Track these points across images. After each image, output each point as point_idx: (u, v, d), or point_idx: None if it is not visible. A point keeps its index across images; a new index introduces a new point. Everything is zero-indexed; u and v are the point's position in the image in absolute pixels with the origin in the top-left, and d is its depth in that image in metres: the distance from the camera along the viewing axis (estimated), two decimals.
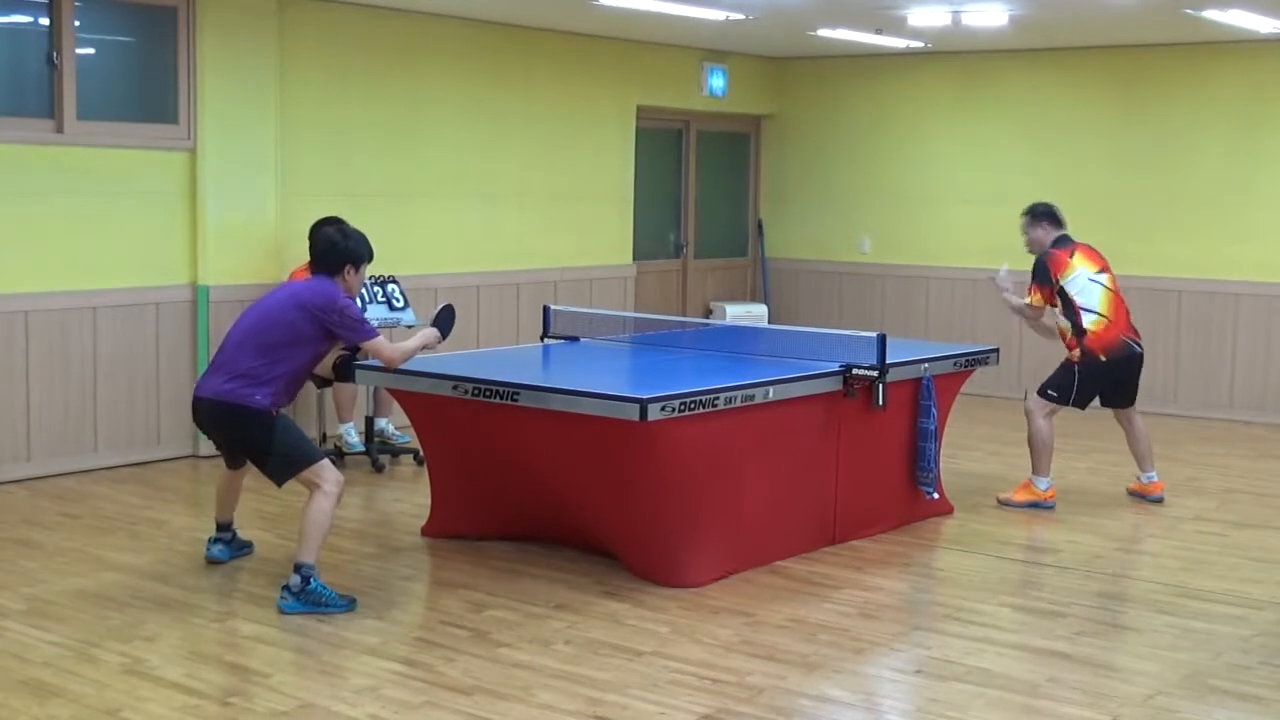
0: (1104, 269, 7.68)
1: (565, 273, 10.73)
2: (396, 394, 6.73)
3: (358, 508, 7.53)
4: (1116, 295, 7.65)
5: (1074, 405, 7.65)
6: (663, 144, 12.02)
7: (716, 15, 9.45)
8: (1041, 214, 7.76)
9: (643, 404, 5.60)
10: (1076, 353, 7.56)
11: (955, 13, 9.26)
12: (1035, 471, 7.65)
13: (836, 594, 6.05)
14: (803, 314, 12.38)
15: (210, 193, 8.44)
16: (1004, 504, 7.65)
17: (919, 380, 7.04)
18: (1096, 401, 7.76)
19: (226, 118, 8.46)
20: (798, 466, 6.56)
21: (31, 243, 7.82)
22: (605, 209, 11.12)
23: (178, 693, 4.75)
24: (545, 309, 7.73)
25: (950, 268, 11.74)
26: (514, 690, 4.82)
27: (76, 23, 7.91)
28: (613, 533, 6.28)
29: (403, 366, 6.16)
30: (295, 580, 5.63)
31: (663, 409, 5.66)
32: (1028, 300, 7.70)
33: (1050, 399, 7.61)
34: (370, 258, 6.04)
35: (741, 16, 9.49)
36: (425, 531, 6.87)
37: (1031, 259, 7.78)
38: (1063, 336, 7.66)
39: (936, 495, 7.28)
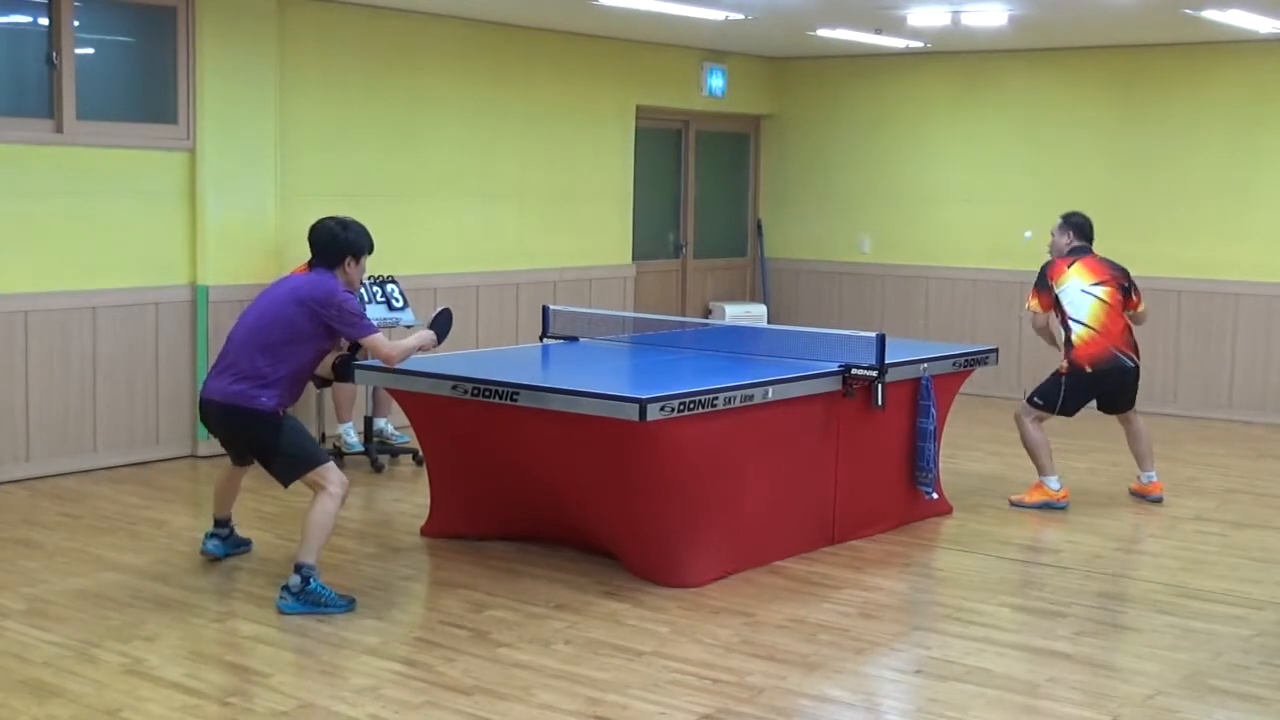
0: (1104, 281, 7.62)
1: (565, 273, 10.74)
2: (396, 394, 6.73)
3: (358, 508, 7.53)
4: (1113, 309, 7.61)
5: (1060, 414, 7.67)
6: (662, 144, 12.02)
7: (716, 15, 9.45)
8: (1070, 222, 7.84)
9: (642, 404, 5.60)
10: (1065, 364, 7.58)
11: (955, 13, 9.26)
12: (1042, 473, 7.66)
13: (836, 594, 6.05)
14: (802, 314, 12.38)
15: (210, 193, 8.44)
16: (1016, 505, 7.65)
17: (918, 380, 7.04)
18: (1093, 404, 7.78)
19: (226, 118, 8.46)
20: (797, 466, 6.56)
21: (31, 243, 7.82)
22: (605, 209, 11.12)
23: (178, 693, 4.75)
24: (545, 309, 7.73)
25: (950, 268, 11.74)
26: (514, 690, 4.82)
27: (76, 23, 7.91)
28: (613, 533, 6.28)
29: (402, 366, 6.15)
30: (295, 580, 5.63)
31: (662, 409, 5.66)
32: (1028, 306, 7.72)
33: (1037, 406, 7.64)
34: (370, 249, 6.00)
35: (741, 16, 9.49)
36: (425, 531, 6.87)
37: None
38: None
39: (936, 495, 7.28)
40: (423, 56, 9.65)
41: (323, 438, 8.65)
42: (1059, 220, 7.88)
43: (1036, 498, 7.64)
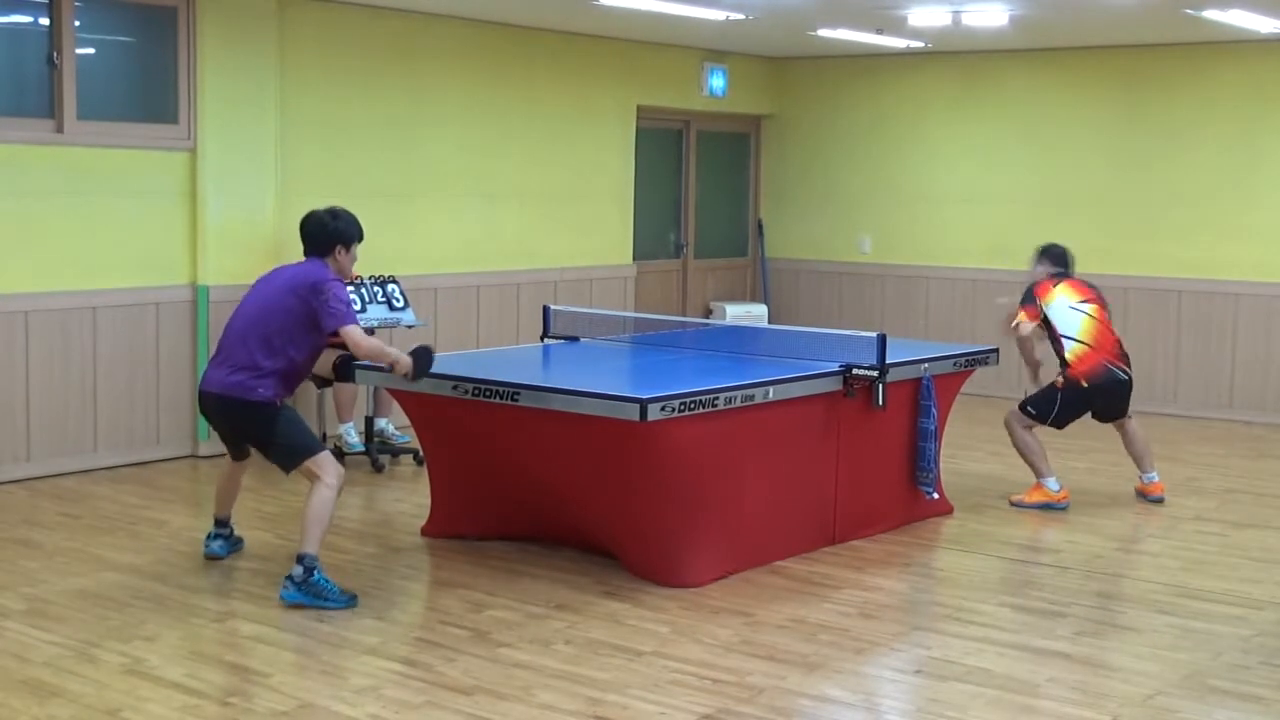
0: (1090, 300, 7.73)
1: (565, 273, 10.74)
2: (396, 394, 6.73)
3: (358, 508, 7.53)
4: (1103, 325, 7.70)
5: (1051, 425, 7.70)
6: (663, 144, 12.01)
7: (716, 15, 9.45)
8: (1049, 255, 7.89)
9: (643, 404, 5.60)
10: (1060, 378, 7.61)
11: (955, 13, 9.26)
12: (1039, 476, 7.66)
13: (836, 594, 6.05)
14: (803, 314, 12.38)
15: (210, 192, 8.44)
16: (1015, 505, 7.65)
17: (919, 380, 7.04)
18: (1087, 415, 7.82)
19: (226, 118, 8.46)
20: (798, 466, 6.56)
21: (31, 243, 7.82)
22: (605, 209, 11.12)
23: (178, 693, 4.75)
24: (545, 309, 7.73)
25: (950, 268, 11.74)
26: (514, 690, 4.82)
27: (76, 23, 7.91)
28: (613, 533, 6.28)
29: None
30: (298, 571, 5.65)
31: (663, 409, 5.66)
32: (1017, 320, 7.67)
33: (1029, 415, 7.66)
34: (360, 237, 6.02)
35: (741, 16, 9.49)
36: (425, 531, 6.87)
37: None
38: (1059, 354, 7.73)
39: (936, 495, 7.28)
40: (423, 56, 9.65)
41: (324, 438, 8.64)
42: (1035, 255, 7.93)
43: (1036, 498, 7.64)
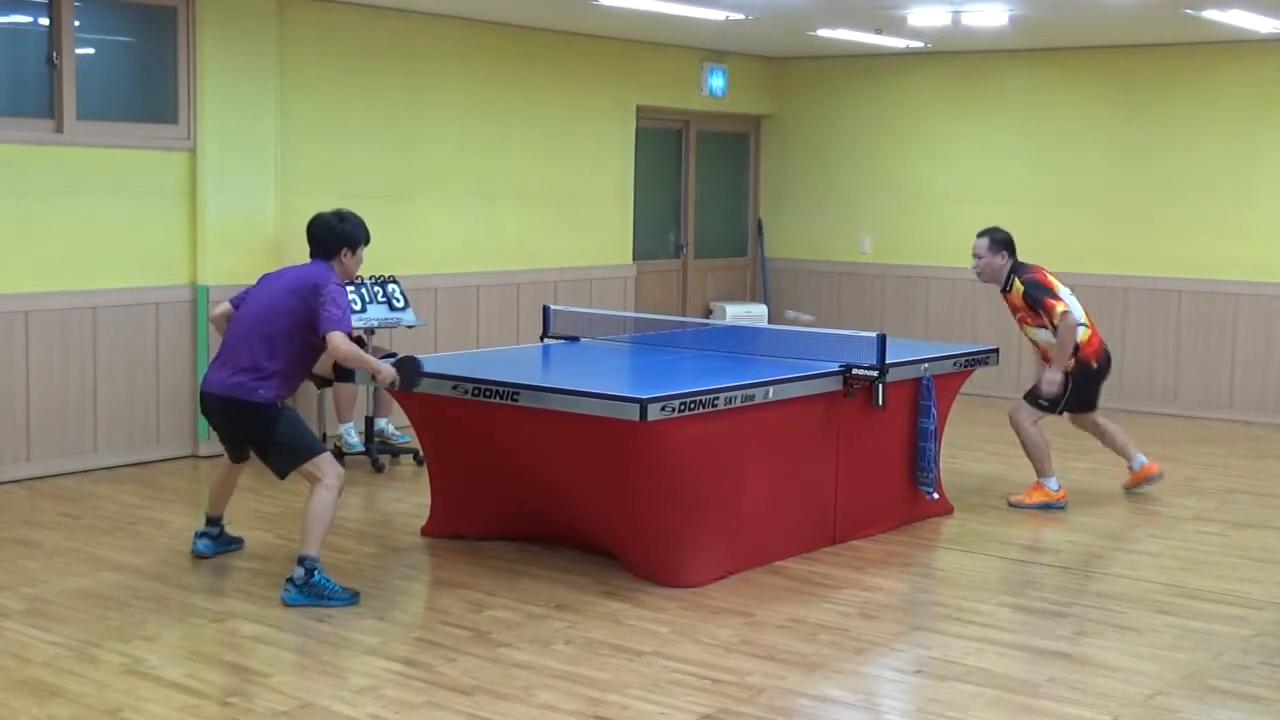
0: (1067, 285, 7.76)
1: (565, 273, 10.74)
2: (396, 394, 6.72)
3: (358, 508, 7.54)
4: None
5: (1059, 412, 7.70)
6: (663, 144, 12.02)
7: (716, 15, 9.45)
8: (1003, 241, 7.62)
9: (643, 404, 5.60)
10: (1071, 361, 7.57)
11: (955, 13, 9.26)
12: (1040, 475, 7.66)
13: (836, 594, 6.05)
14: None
15: (210, 193, 8.44)
16: (1015, 506, 7.64)
17: (919, 380, 7.04)
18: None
19: (226, 118, 8.46)
20: (798, 466, 6.56)
21: (31, 243, 7.82)
22: (605, 209, 11.12)
23: (178, 693, 4.75)
24: (545, 309, 7.73)
25: (950, 268, 11.73)
26: (514, 690, 4.82)
27: (76, 23, 7.91)
28: (613, 533, 6.28)
29: None
30: (299, 573, 5.65)
31: (663, 409, 5.66)
32: (1059, 312, 7.42)
33: (1041, 408, 7.63)
34: (367, 241, 6.02)
35: (741, 16, 9.49)
36: (425, 531, 6.87)
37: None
38: (1045, 353, 7.69)
39: (936, 495, 7.28)
40: (423, 56, 9.65)
41: (324, 438, 8.64)
42: (985, 241, 7.63)
43: (1036, 498, 7.64)
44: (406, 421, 7.20)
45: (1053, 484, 7.65)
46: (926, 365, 7.11)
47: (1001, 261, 7.61)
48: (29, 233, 7.80)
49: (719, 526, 6.18)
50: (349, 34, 9.19)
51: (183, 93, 8.37)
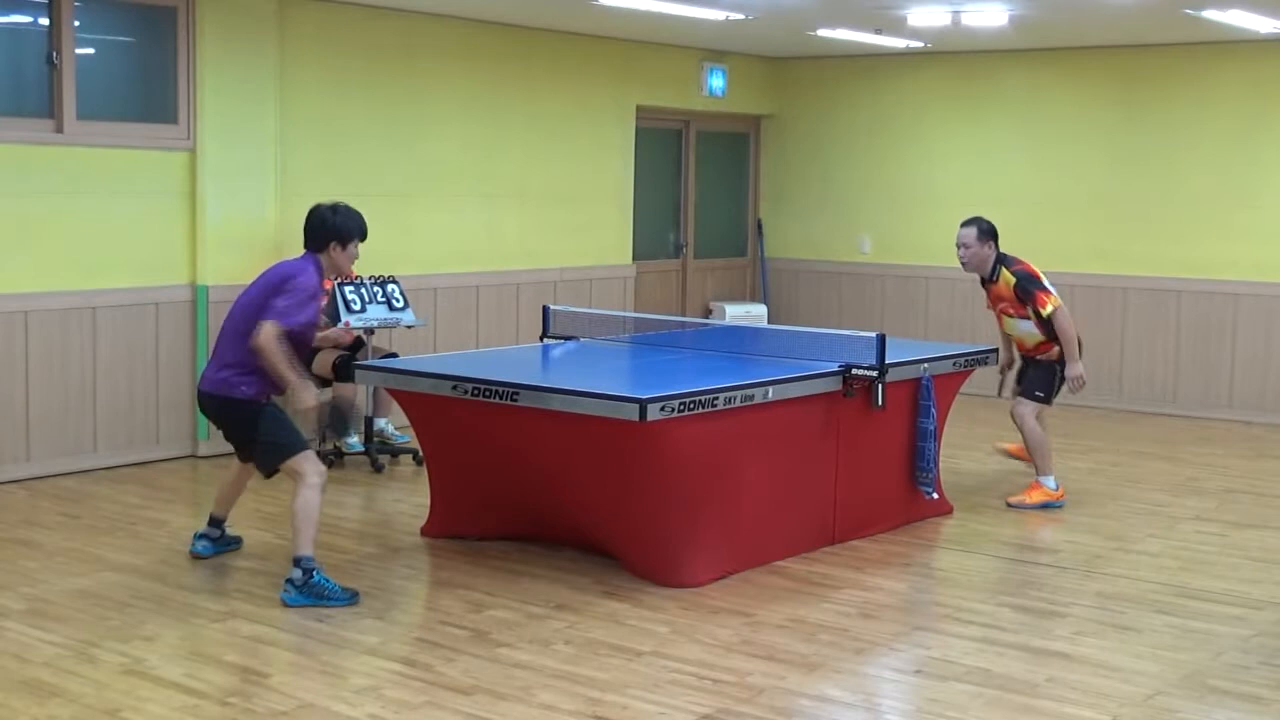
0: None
1: (565, 273, 10.74)
2: (396, 394, 6.72)
3: (358, 508, 7.54)
4: None
5: (1050, 402, 7.75)
6: (663, 144, 12.02)
7: (716, 15, 9.45)
8: (991, 231, 7.65)
9: (643, 404, 5.60)
10: (1055, 350, 7.57)
11: (955, 13, 9.27)
12: (1041, 473, 7.66)
13: (836, 594, 6.05)
14: (802, 314, 12.38)
15: (210, 193, 8.44)
16: (1014, 506, 7.63)
17: (918, 380, 7.04)
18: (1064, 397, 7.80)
19: (226, 118, 8.46)
20: (797, 467, 6.56)
21: (31, 243, 7.82)
22: (605, 209, 11.12)
23: (178, 693, 4.75)
24: (545, 309, 7.73)
25: (950, 268, 11.66)
26: (514, 690, 4.82)
27: (76, 23, 7.91)
28: (613, 533, 6.28)
29: (402, 366, 6.14)
30: (297, 574, 5.65)
31: (663, 409, 5.66)
32: (1049, 309, 7.47)
33: (1037, 399, 7.64)
34: (361, 235, 5.98)
35: (741, 16, 9.49)
36: (425, 531, 6.87)
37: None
38: (1022, 345, 7.69)
39: (936, 495, 7.28)
40: (423, 56, 9.65)
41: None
42: (973, 231, 7.62)
43: (1036, 498, 7.64)
44: (406, 421, 7.20)
45: (1051, 482, 7.65)
46: (926, 365, 7.11)
47: (988, 251, 7.63)
48: (29, 233, 7.80)
49: (719, 526, 6.18)
50: (349, 34, 9.19)
51: (182, 93, 8.37)
